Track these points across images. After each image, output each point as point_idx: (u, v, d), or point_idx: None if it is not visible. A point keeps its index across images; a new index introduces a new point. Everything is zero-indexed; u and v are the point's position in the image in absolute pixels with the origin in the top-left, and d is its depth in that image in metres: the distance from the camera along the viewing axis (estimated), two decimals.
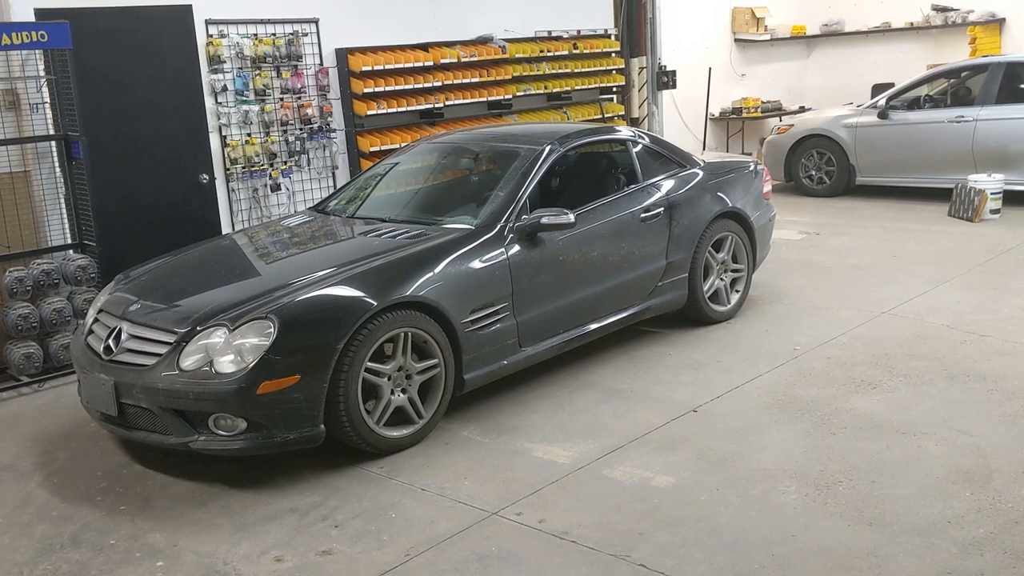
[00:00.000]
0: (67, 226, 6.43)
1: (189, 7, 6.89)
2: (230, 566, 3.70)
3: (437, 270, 4.77)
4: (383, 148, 8.02)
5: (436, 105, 8.52)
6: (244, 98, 7.44)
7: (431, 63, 8.48)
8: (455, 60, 8.66)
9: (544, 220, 5.13)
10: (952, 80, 10.24)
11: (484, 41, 9.05)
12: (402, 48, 8.35)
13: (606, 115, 10.22)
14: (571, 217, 5.15)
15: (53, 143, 6.32)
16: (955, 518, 3.73)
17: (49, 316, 5.93)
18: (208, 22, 7.22)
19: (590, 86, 10.09)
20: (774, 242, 7.11)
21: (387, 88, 8.14)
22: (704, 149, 12.33)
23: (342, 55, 7.99)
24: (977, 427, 4.54)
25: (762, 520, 3.80)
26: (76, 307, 6.05)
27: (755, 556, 3.54)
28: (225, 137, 7.37)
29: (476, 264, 4.93)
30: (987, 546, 3.52)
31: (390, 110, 8.17)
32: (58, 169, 6.37)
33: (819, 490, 4.01)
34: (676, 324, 6.30)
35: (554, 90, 9.69)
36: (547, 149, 5.63)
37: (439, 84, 8.50)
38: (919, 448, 4.36)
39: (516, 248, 5.11)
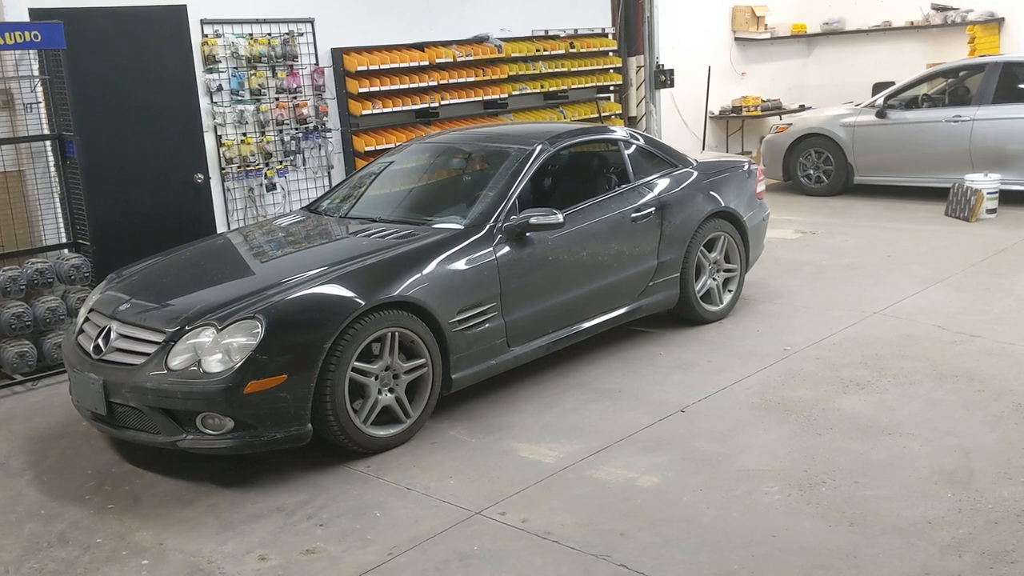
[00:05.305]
0: (61, 225, 6.46)
1: (184, 7, 6.92)
2: (215, 565, 3.73)
3: (425, 270, 4.78)
4: (378, 148, 8.03)
5: (432, 105, 8.54)
6: (239, 98, 7.47)
7: (427, 63, 8.50)
8: (451, 59, 8.68)
9: (533, 220, 5.14)
10: (950, 80, 10.23)
11: (480, 40, 9.07)
12: (398, 48, 8.38)
13: (603, 114, 10.22)
14: (560, 217, 5.17)
15: (48, 143, 6.35)
16: (936, 519, 3.74)
17: (43, 315, 5.97)
18: (203, 22, 7.24)
19: (587, 85, 10.11)
20: (769, 241, 7.11)
21: (382, 88, 8.17)
22: (704, 148, 12.33)
23: (337, 55, 8.01)
24: (962, 428, 4.55)
25: (744, 520, 3.82)
26: (70, 306, 6.08)
27: (735, 556, 3.56)
28: (220, 137, 7.40)
29: (464, 264, 4.95)
30: (966, 547, 3.53)
31: (385, 110, 8.20)
32: (52, 169, 6.41)
33: (802, 490, 4.03)
34: (668, 324, 6.31)
35: (550, 89, 9.70)
36: (537, 149, 5.64)
37: (435, 84, 8.53)
38: (904, 449, 4.37)
39: (505, 248, 5.12)
